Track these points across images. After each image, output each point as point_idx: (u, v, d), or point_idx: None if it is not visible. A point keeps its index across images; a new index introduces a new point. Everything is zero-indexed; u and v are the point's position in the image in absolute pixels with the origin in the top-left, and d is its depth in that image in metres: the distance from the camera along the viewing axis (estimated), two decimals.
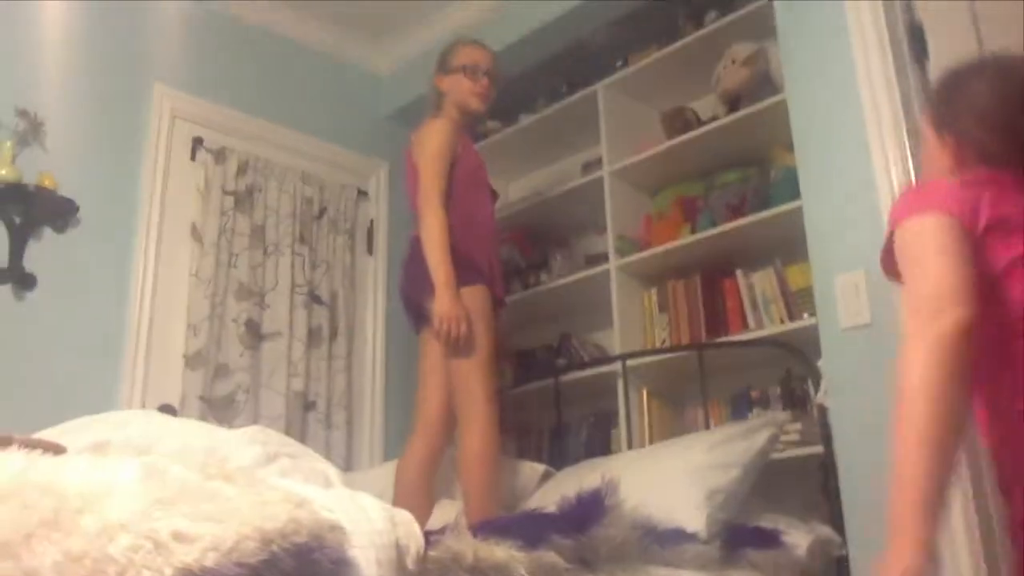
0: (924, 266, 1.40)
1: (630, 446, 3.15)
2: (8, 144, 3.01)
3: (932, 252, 1.40)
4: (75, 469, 0.99)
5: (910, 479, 1.25)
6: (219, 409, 3.26)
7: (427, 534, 1.51)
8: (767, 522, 2.39)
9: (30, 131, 3.10)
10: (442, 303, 2.61)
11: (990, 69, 1.62)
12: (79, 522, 0.90)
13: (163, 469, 1.03)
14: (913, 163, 2.36)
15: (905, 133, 2.38)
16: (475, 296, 2.70)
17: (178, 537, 0.91)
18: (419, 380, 2.93)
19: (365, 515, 1.24)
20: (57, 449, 1.21)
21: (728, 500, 2.29)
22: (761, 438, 2.46)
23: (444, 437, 2.78)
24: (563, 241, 4.03)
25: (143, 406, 3.12)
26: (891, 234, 1.50)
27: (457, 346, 2.61)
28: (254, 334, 3.45)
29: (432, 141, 2.85)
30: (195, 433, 1.59)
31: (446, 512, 2.59)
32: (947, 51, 2.48)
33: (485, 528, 1.81)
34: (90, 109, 3.32)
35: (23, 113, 3.08)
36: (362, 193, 4.05)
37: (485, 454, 2.58)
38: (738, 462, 2.37)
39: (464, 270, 2.70)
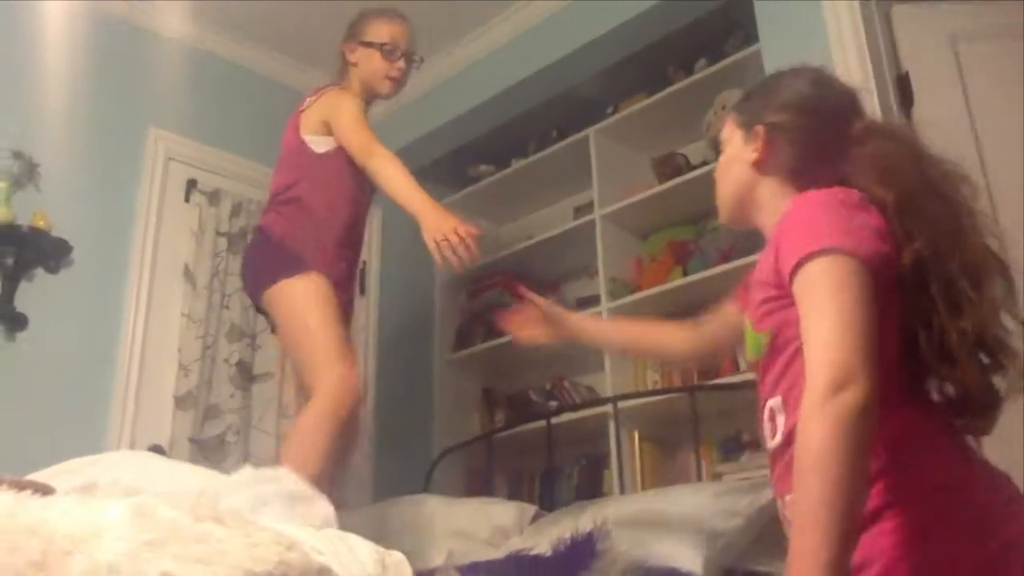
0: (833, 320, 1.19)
1: (622, 489, 3.14)
2: (3, 185, 3.03)
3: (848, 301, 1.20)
4: (63, 510, 0.98)
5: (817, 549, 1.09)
6: (209, 450, 3.24)
7: (417, 575, 1.50)
8: (763, 567, 2.37)
9: (25, 173, 3.12)
10: (428, 225, 2.29)
11: (810, 71, 1.58)
12: (67, 563, 0.90)
13: (152, 510, 1.02)
14: None
15: None
16: (304, 284, 2.42)
17: None
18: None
19: (355, 557, 1.23)
20: (45, 490, 1.20)
21: (729, 547, 2.28)
22: (766, 495, 2.45)
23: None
24: (554, 285, 4.05)
25: (132, 447, 3.10)
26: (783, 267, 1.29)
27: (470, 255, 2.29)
28: (245, 375, 3.44)
29: (349, 103, 2.56)
30: (189, 476, 1.58)
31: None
32: (932, 98, 2.53)
33: (474, 570, 1.80)
34: (85, 151, 3.34)
35: (18, 155, 3.10)
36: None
37: (323, 421, 2.25)
38: (743, 513, 2.35)
39: (293, 260, 2.44)
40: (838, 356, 1.15)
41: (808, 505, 1.11)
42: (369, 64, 2.71)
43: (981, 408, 1.30)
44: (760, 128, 1.53)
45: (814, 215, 1.31)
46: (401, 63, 2.72)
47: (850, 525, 1.09)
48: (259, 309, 2.65)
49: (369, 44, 2.71)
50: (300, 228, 2.51)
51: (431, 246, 2.28)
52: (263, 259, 2.53)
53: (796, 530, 1.13)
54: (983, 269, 1.32)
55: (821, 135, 1.49)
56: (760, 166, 1.54)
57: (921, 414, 1.30)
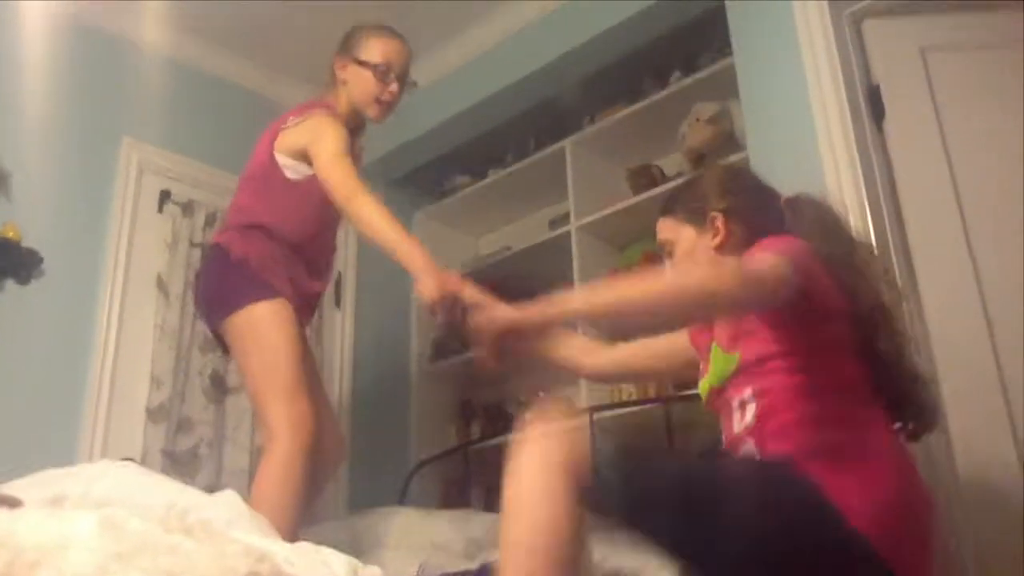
0: None
1: None
2: None
3: None
4: (31, 523, 0.97)
5: None
6: (182, 463, 3.21)
7: None
8: None
9: None
10: (425, 285, 2.13)
11: (723, 165, 2.05)
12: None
13: (121, 522, 1.01)
14: (872, 221, 2.42)
15: (864, 189, 2.44)
16: (266, 311, 2.34)
17: None
18: None
19: (330, 571, 1.22)
20: (13, 503, 1.18)
21: None
22: None
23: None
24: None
25: (104, 459, 3.06)
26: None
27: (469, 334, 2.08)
28: (219, 387, 3.41)
29: (332, 135, 2.39)
30: (163, 489, 1.56)
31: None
32: (903, 110, 2.57)
33: None
34: (57, 161, 3.31)
35: None
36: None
37: (284, 474, 2.18)
38: None
39: (256, 285, 2.36)
40: None
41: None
42: (360, 84, 2.56)
43: (930, 420, 1.68)
44: (715, 214, 1.80)
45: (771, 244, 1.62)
46: (394, 87, 2.58)
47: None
48: (214, 332, 2.53)
49: (363, 63, 2.56)
50: (267, 253, 2.41)
51: (426, 306, 2.15)
52: (225, 282, 2.40)
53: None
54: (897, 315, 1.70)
55: (762, 209, 1.81)
56: (722, 248, 1.78)
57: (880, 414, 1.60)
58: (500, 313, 1.76)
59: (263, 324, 2.33)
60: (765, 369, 1.59)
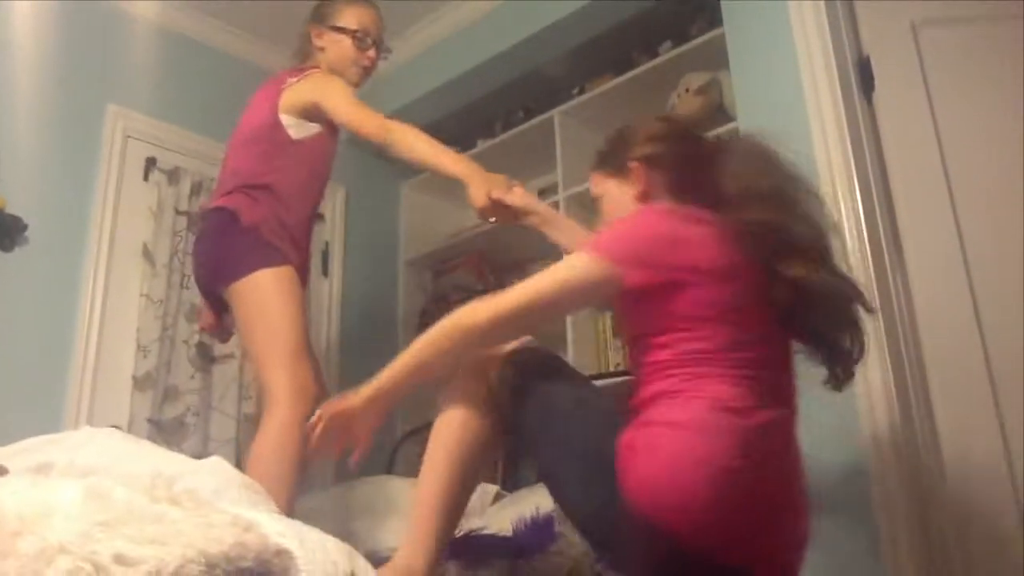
0: None
1: None
2: None
3: None
4: (14, 491, 0.97)
5: None
6: (168, 432, 3.21)
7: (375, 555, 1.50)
8: None
9: None
10: (477, 187, 2.23)
11: (654, 117, 1.94)
12: (16, 544, 0.88)
13: (106, 491, 1.01)
14: (860, 192, 2.42)
15: (852, 161, 2.44)
16: (274, 278, 2.34)
17: (120, 560, 0.89)
18: None
19: (322, 546, 1.22)
20: None
21: None
22: None
23: None
24: (519, 266, 4.04)
25: (90, 427, 3.05)
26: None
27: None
28: (205, 356, 3.41)
29: (341, 85, 2.47)
30: (150, 456, 1.56)
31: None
32: (893, 83, 2.56)
33: None
34: (42, 128, 3.27)
35: None
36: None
37: (283, 440, 2.17)
38: None
39: (265, 251, 2.36)
40: None
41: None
42: (338, 50, 2.59)
43: (850, 369, 1.65)
44: (634, 164, 1.77)
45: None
46: (372, 52, 2.62)
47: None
48: (209, 295, 2.52)
49: (340, 29, 2.59)
50: (274, 217, 2.40)
51: (480, 209, 2.24)
52: (233, 246, 2.37)
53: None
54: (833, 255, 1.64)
55: (688, 157, 1.76)
56: (643, 197, 1.76)
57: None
58: (329, 408, 1.79)
59: (270, 290, 2.33)
60: (637, 347, 1.64)
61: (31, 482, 1.02)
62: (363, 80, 2.65)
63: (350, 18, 2.61)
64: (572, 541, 2.05)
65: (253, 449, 2.21)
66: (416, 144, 2.35)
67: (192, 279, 2.85)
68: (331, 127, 2.54)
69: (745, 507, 1.43)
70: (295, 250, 2.45)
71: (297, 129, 2.47)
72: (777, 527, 1.50)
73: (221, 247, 2.42)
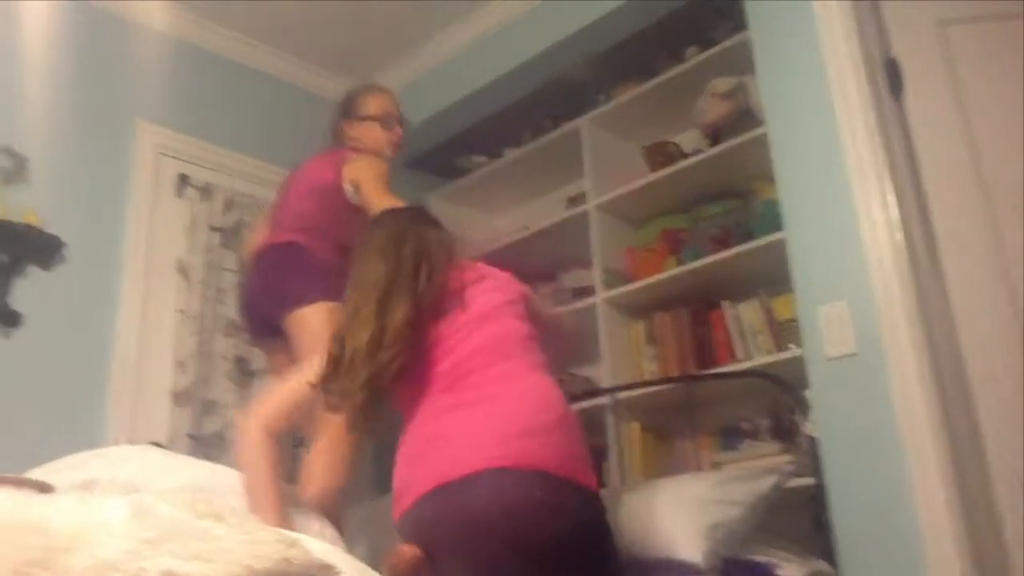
0: None
1: (622, 480, 3.14)
2: None
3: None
4: (63, 508, 0.99)
5: None
6: (207, 446, 3.24)
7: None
8: (761, 556, 2.38)
9: (15, 169, 3.11)
10: None
11: None
12: (67, 561, 0.90)
13: (152, 507, 1.03)
14: (892, 194, 2.40)
15: (884, 164, 2.42)
16: (337, 312, 2.46)
17: None
18: None
19: (361, 570, 1.22)
20: (44, 488, 1.20)
21: (729, 536, 2.29)
22: (766, 483, 2.46)
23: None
24: (549, 275, 4.04)
25: (131, 443, 3.09)
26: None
27: None
28: (243, 371, 3.44)
29: (373, 168, 2.78)
30: (189, 471, 1.58)
31: None
32: (922, 83, 2.54)
33: None
34: (76, 146, 3.33)
35: (8, 151, 3.09)
36: None
37: (335, 467, 2.38)
38: (742, 501, 2.37)
39: (331, 284, 2.51)
40: None
41: None
42: (370, 136, 2.96)
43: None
44: None
45: None
46: (398, 129, 3.01)
47: None
48: (262, 321, 2.73)
49: (366, 119, 2.98)
50: (331, 257, 2.66)
51: None
52: (304, 277, 2.63)
53: None
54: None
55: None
56: None
57: None
58: None
59: (330, 322, 2.47)
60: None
61: (78, 499, 1.04)
62: (395, 153, 3.04)
63: (374, 107, 3.01)
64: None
65: (310, 467, 2.38)
66: None
67: (241, 304, 3.02)
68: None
69: None
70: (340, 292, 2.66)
71: (353, 196, 2.75)
72: None
73: (291, 276, 2.66)
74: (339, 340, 1.96)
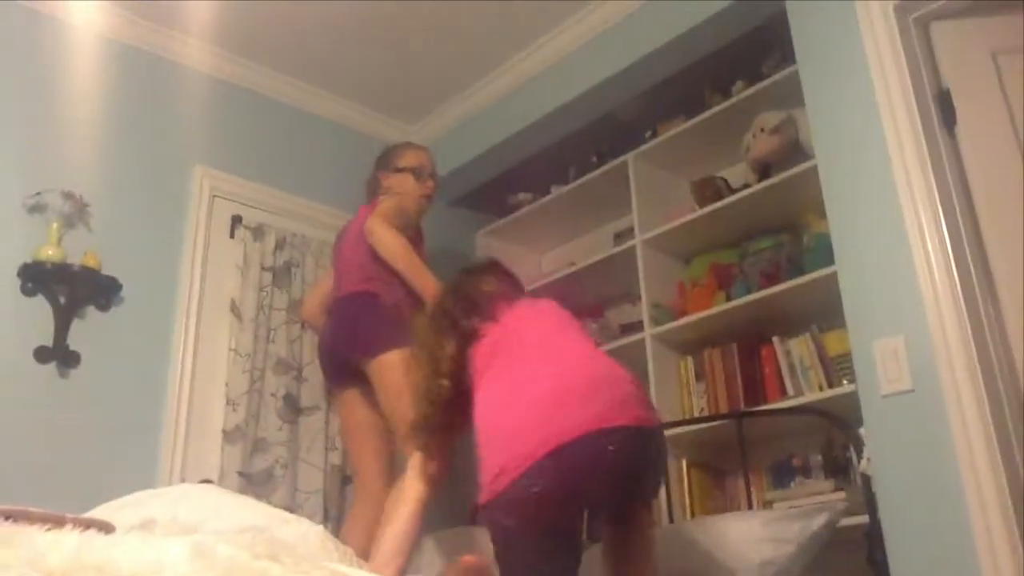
0: None
1: (671, 518, 3.11)
2: (55, 225, 3.10)
3: None
4: (127, 549, 1.00)
5: None
6: (257, 484, 3.26)
7: None
8: None
9: (75, 212, 3.19)
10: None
11: None
12: None
13: (211, 548, 1.04)
14: (947, 227, 2.36)
15: (937, 197, 2.39)
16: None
17: None
18: (348, 441, 3.07)
19: None
20: (107, 528, 1.22)
21: (779, 574, 2.26)
22: (818, 521, 2.42)
23: (383, 503, 2.74)
24: (597, 311, 4.04)
25: (182, 480, 3.13)
26: None
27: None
28: (292, 408, 3.47)
29: (380, 214, 3.05)
30: (253, 512, 1.59)
31: None
32: (975, 114, 2.51)
33: None
34: (133, 190, 3.41)
35: (68, 195, 3.17)
36: None
37: (418, 508, 2.45)
38: (794, 540, 2.33)
39: (407, 330, 2.70)
40: None
41: None
42: (403, 186, 3.19)
43: None
44: None
45: None
46: (431, 182, 3.24)
47: None
48: (337, 364, 2.96)
49: (402, 170, 3.22)
50: (405, 306, 2.89)
51: None
52: (381, 325, 2.87)
53: None
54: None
55: None
56: None
57: None
58: None
59: (407, 365, 2.64)
60: None
61: (141, 540, 1.05)
62: (426, 207, 3.27)
63: (410, 159, 3.27)
64: None
65: (387, 511, 2.54)
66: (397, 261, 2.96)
67: (320, 351, 3.27)
68: (415, 236, 3.16)
69: None
70: None
71: (369, 236, 3.04)
72: None
73: (367, 325, 2.87)
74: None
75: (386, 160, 3.32)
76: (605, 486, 1.90)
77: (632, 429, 1.92)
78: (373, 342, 2.81)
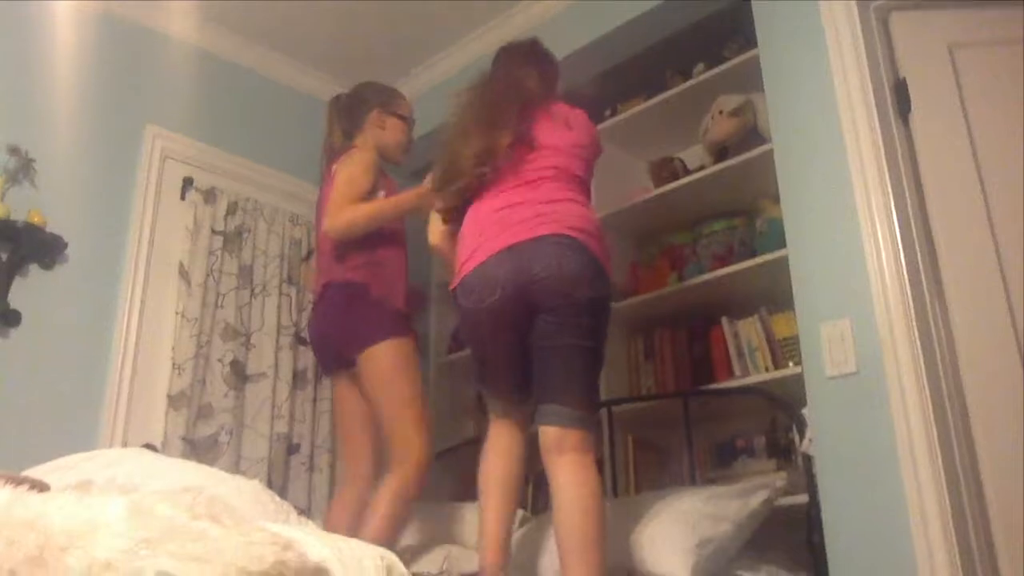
0: None
1: (615, 493, 3.14)
2: None
3: None
4: (60, 506, 0.98)
5: None
6: (201, 450, 3.23)
7: None
8: (750, 573, 2.37)
9: (20, 168, 3.11)
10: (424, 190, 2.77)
11: None
12: (64, 560, 0.90)
13: (149, 508, 1.02)
14: (897, 214, 2.40)
15: (889, 184, 2.42)
16: (404, 347, 2.75)
17: None
18: (339, 426, 3.02)
19: (358, 561, 1.22)
20: (41, 486, 1.20)
21: (717, 552, 2.28)
22: (756, 499, 2.45)
23: (373, 486, 2.73)
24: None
25: (125, 445, 3.09)
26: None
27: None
28: (239, 375, 3.43)
29: (355, 165, 2.87)
30: (185, 473, 1.57)
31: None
32: (929, 105, 2.54)
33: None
34: (82, 148, 3.33)
35: (14, 150, 3.10)
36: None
37: (404, 494, 2.59)
38: (731, 518, 2.36)
39: (395, 322, 2.76)
40: None
41: None
42: (395, 133, 3.05)
43: None
44: None
45: None
46: (412, 135, 3.14)
47: None
48: (329, 353, 2.88)
49: (402, 117, 3.07)
50: (394, 292, 2.82)
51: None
52: (364, 315, 2.76)
53: None
54: None
55: None
56: None
57: None
58: None
59: (401, 359, 2.72)
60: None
61: (76, 498, 1.03)
62: (405, 160, 3.14)
63: (407, 109, 3.12)
64: None
65: (376, 497, 2.58)
66: (362, 212, 2.78)
67: (311, 339, 3.16)
68: (388, 186, 2.96)
69: None
70: (410, 323, 2.87)
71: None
72: None
73: (355, 317, 2.78)
74: (450, 151, 2.47)
75: (387, 99, 3.11)
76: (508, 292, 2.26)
77: (504, 251, 2.26)
78: (362, 335, 2.73)
